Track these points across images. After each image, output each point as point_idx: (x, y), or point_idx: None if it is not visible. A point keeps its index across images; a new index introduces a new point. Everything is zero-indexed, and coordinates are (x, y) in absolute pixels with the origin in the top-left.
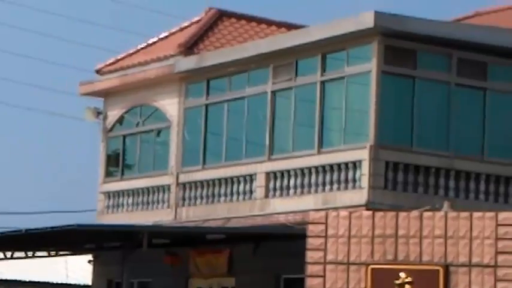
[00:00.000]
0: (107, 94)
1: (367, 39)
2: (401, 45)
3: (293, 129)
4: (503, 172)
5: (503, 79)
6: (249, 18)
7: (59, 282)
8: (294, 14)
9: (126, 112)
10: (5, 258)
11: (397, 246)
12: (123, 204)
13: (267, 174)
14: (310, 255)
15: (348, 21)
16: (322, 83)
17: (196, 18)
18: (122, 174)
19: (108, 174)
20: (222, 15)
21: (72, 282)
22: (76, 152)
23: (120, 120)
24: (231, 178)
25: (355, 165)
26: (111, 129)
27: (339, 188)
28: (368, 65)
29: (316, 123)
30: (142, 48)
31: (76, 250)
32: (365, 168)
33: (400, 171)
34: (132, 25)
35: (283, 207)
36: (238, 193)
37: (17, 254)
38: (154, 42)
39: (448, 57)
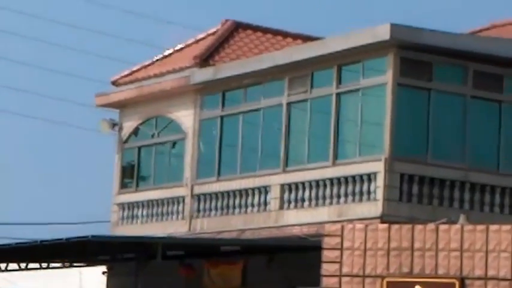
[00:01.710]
0: (122, 106)
1: (382, 52)
2: (417, 58)
3: (308, 141)
4: None
5: None
6: (265, 30)
7: None
8: (310, 26)
9: (141, 124)
10: (20, 269)
11: (412, 259)
12: (137, 216)
13: (282, 186)
14: (326, 268)
15: (364, 33)
16: (338, 95)
17: (212, 30)
18: (137, 185)
19: (123, 185)
20: (237, 27)
21: None
22: (91, 163)
23: (136, 132)
24: (246, 190)
25: (370, 177)
26: (126, 141)
27: (353, 200)
28: (384, 77)
29: (331, 135)
30: (158, 60)
31: (90, 261)
32: (380, 180)
33: (415, 183)
34: (148, 37)
35: (297, 219)
36: (252, 205)
37: (31, 265)
38: (170, 54)
39: (464, 69)
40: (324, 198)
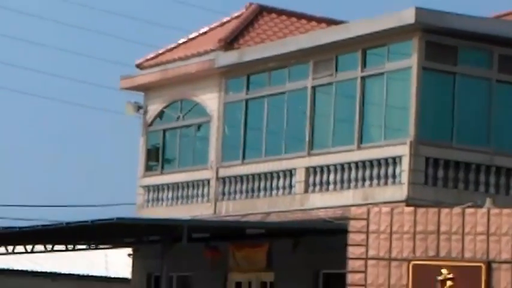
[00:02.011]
0: (147, 88)
1: (407, 35)
2: (442, 42)
3: (333, 124)
4: None
5: None
6: (289, 14)
7: (99, 275)
8: (335, 10)
9: (166, 107)
10: (46, 250)
11: (439, 242)
12: (162, 198)
13: (307, 169)
14: (352, 251)
15: (389, 17)
16: (363, 78)
17: (236, 14)
18: (162, 168)
19: (148, 168)
20: (262, 11)
21: (112, 275)
22: (116, 146)
23: (160, 115)
24: (271, 173)
25: (395, 161)
26: (151, 124)
27: (378, 184)
28: (408, 60)
29: (356, 119)
30: (182, 43)
31: (116, 243)
32: (405, 164)
33: (440, 167)
34: (173, 20)
35: (322, 203)
36: (277, 188)
37: (57, 247)
38: (194, 37)
39: (489, 53)
40: (349, 181)
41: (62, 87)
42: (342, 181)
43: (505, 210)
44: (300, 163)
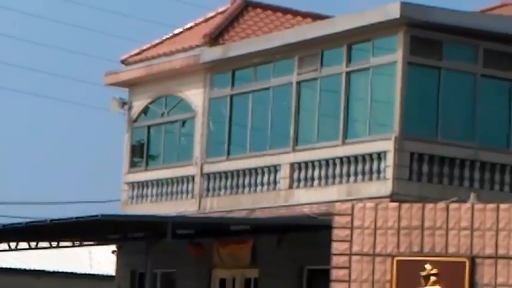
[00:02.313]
0: (132, 84)
1: (392, 30)
2: (427, 36)
3: (318, 120)
4: None
5: None
6: (275, 9)
7: (83, 272)
8: (320, 5)
9: (151, 102)
10: (30, 248)
11: (423, 237)
12: (147, 195)
13: (292, 165)
14: (336, 247)
15: (374, 11)
16: (348, 73)
17: (221, 9)
18: (147, 164)
19: (133, 164)
20: (247, 6)
21: (96, 272)
22: (101, 142)
23: (145, 111)
24: (255, 169)
25: (380, 156)
26: (136, 120)
27: (363, 179)
28: (393, 55)
29: (341, 114)
30: (167, 39)
31: (100, 240)
32: (390, 159)
33: (425, 162)
34: (158, 15)
35: (307, 198)
36: (262, 184)
37: (41, 244)
38: (179, 33)
39: (475, 48)
40: (334, 177)
41: (46, 83)
42: (327, 177)
43: (489, 206)
44: (285, 159)
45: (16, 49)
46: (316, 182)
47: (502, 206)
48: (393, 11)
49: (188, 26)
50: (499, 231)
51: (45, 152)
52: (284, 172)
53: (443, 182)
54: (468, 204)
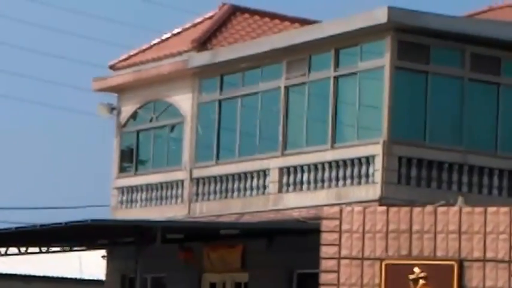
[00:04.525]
0: (120, 90)
1: (380, 35)
2: (415, 41)
3: (306, 124)
4: None
5: None
6: (263, 14)
7: (73, 277)
8: (308, 10)
9: (139, 108)
10: (20, 253)
11: (411, 241)
12: (136, 200)
13: (280, 169)
14: (325, 250)
15: (362, 16)
16: (336, 78)
17: (209, 14)
18: (136, 169)
19: (122, 169)
20: (235, 11)
21: (86, 277)
22: (90, 147)
23: (134, 116)
24: (245, 173)
25: (369, 160)
26: (124, 125)
27: (352, 183)
28: (381, 60)
29: (329, 119)
30: (155, 44)
31: (90, 245)
32: (378, 163)
33: (413, 166)
34: (146, 21)
35: (296, 203)
36: (251, 188)
37: (31, 249)
38: (167, 38)
39: (462, 52)
40: (323, 181)
41: (34, 89)
42: (316, 181)
43: (477, 209)
44: (274, 163)
45: (3, 55)
46: (305, 186)
47: (490, 209)
48: (381, 16)
49: (176, 31)
50: (487, 234)
51: (34, 157)
52: (273, 176)
53: (431, 186)
54: (456, 208)
